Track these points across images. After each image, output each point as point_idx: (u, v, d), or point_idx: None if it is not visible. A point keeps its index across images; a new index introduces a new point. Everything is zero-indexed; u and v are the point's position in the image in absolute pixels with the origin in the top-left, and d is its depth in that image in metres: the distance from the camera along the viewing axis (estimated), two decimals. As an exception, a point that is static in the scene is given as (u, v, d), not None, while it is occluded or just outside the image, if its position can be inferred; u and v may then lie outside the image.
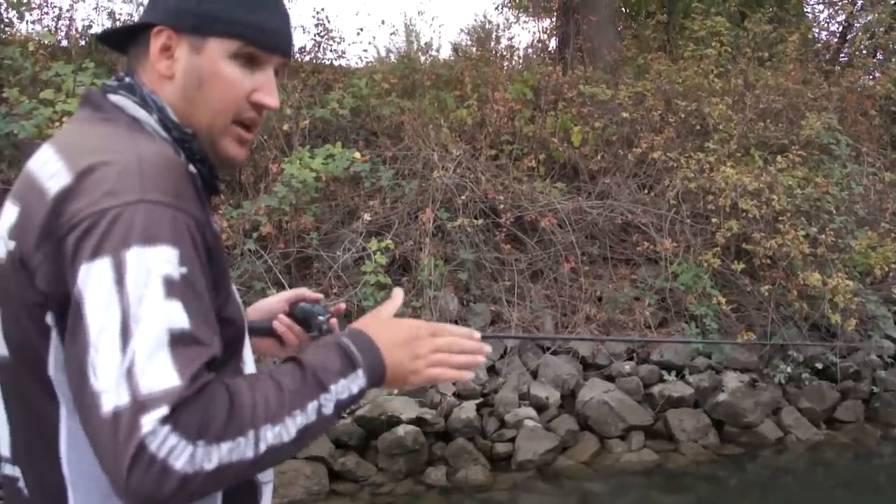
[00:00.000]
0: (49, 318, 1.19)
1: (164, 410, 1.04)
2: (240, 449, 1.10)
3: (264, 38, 1.37)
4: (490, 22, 18.17)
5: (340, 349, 1.29)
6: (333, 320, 1.79)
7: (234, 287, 1.39)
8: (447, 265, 7.78)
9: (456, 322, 7.64)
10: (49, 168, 1.23)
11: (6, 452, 1.33)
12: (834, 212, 8.08)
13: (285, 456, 1.18)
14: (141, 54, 1.39)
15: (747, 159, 8.36)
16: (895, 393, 8.10)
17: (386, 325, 1.40)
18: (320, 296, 1.84)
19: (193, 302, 1.14)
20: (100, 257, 1.11)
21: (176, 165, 1.22)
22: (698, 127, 8.92)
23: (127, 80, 1.38)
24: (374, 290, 7.08)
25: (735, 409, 7.48)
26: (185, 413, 1.06)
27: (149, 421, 1.04)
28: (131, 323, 1.08)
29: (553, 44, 12.12)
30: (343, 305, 1.88)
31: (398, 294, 1.51)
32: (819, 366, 8.00)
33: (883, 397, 8.06)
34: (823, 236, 7.63)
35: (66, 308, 1.14)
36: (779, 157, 7.96)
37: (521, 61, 11.40)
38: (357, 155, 7.94)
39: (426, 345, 1.41)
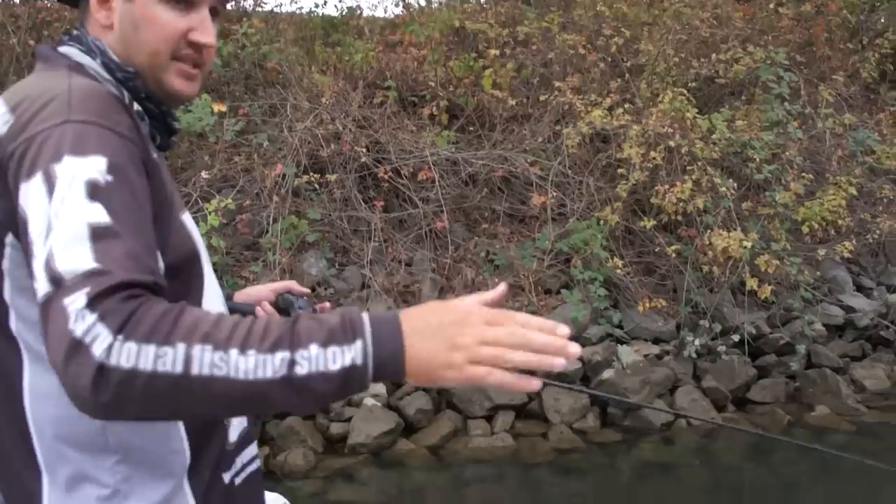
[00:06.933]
0: (7, 250, 1.25)
1: (84, 294, 1.05)
2: (165, 360, 1.03)
3: None
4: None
5: (343, 316, 1.10)
6: None
7: (185, 216, 1.43)
8: (313, 225, 7.06)
9: (314, 288, 6.93)
10: None
11: None
12: (758, 160, 6.94)
13: (231, 396, 1.04)
14: (84, 8, 1.46)
15: (670, 101, 7.25)
16: (823, 370, 6.95)
17: (426, 307, 1.14)
18: (308, 291, 1.89)
19: (121, 210, 1.14)
20: (34, 175, 1.16)
21: (105, 94, 1.29)
22: (601, 61, 7.80)
23: (75, 32, 1.47)
24: (202, 253, 6.41)
25: (617, 388, 6.53)
26: (109, 302, 1.05)
27: (72, 303, 1.04)
28: (53, 220, 1.12)
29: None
30: (328, 304, 1.90)
31: (501, 287, 1.19)
32: (736, 338, 6.92)
33: (808, 375, 6.94)
34: (724, 189, 6.52)
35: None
36: (660, 96, 6.82)
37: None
38: (222, 107, 7.26)
39: (473, 333, 1.09)
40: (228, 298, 1.78)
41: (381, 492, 5.86)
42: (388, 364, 1.08)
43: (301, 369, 1.05)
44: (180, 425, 1.32)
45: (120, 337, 1.02)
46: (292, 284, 1.88)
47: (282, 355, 1.05)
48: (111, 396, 1.02)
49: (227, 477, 1.42)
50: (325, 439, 6.27)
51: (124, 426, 1.26)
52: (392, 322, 1.10)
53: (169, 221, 1.33)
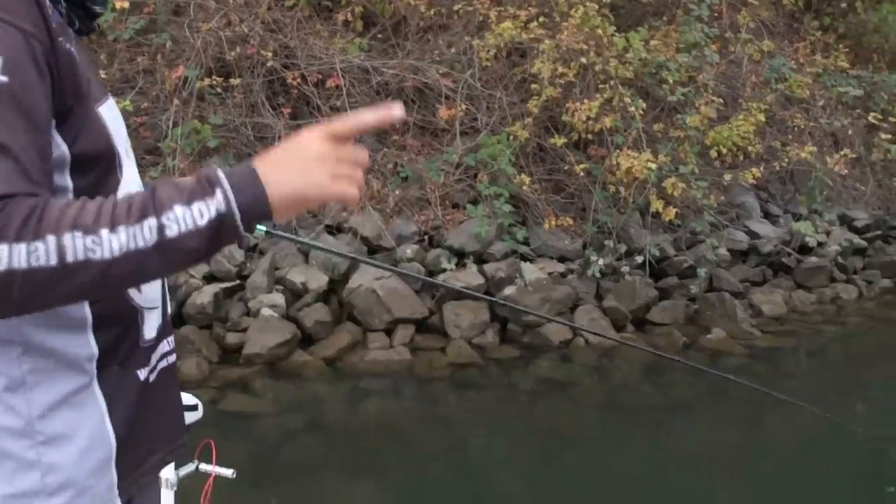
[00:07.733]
0: None
1: None
2: (38, 254, 1.04)
3: None
4: None
5: (198, 174, 1.13)
6: None
7: (104, 108, 1.30)
8: (216, 131, 6.83)
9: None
10: None
11: None
12: (671, 81, 6.88)
13: (111, 274, 1.08)
14: None
15: (582, 16, 7.10)
16: (722, 294, 7.04)
17: (274, 148, 1.19)
18: None
19: (14, 115, 1.09)
20: None
21: None
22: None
23: None
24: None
25: (517, 305, 6.52)
26: None
27: None
28: None
29: None
30: None
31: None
32: (640, 259, 6.96)
33: (707, 298, 7.02)
34: (634, 108, 6.47)
35: None
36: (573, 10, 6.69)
37: None
38: (124, 4, 6.91)
39: (328, 151, 1.15)
40: None
41: (276, 402, 5.82)
42: (254, 205, 1.11)
43: (171, 231, 1.08)
44: (87, 323, 1.28)
45: None
46: None
47: (149, 223, 1.07)
48: None
49: (142, 374, 1.37)
50: (221, 349, 6.20)
51: (20, 321, 1.22)
52: (246, 168, 1.14)
53: (83, 114, 1.25)
